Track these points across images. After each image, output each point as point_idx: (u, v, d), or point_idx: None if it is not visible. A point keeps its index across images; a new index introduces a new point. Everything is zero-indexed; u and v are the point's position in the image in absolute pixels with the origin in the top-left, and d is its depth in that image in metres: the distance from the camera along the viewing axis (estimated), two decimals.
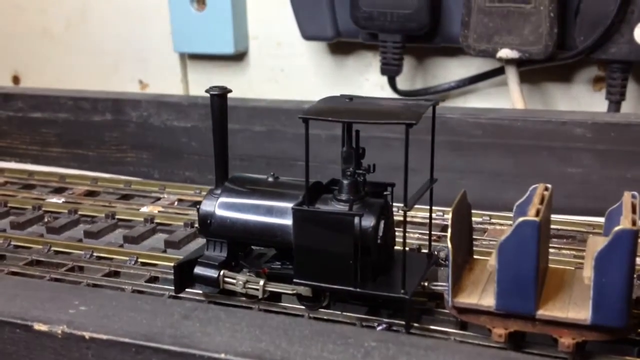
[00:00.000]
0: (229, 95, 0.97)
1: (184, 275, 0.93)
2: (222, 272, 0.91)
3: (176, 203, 1.38)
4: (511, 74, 1.49)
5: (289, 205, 0.88)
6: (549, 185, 0.85)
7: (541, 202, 0.79)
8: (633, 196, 0.80)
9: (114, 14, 1.94)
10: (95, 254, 1.13)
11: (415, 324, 0.87)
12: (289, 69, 1.82)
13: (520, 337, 0.80)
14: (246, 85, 1.86)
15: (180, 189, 1.44)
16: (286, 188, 0.92)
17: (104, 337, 0.68)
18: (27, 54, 2.07)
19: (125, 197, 1.43)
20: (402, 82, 1.66)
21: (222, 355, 0.66)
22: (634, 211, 0.76)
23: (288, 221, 0.88)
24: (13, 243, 1.19)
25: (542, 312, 0.76)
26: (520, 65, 1.49)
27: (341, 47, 1.74)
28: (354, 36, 1.63)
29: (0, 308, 0.74)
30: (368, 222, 0.84)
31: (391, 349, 0.66)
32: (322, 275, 0.84)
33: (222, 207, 0.93)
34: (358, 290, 0.83)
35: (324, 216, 0.83)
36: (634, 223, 0.72)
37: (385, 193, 0.89)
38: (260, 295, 0.89)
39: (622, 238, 0.70)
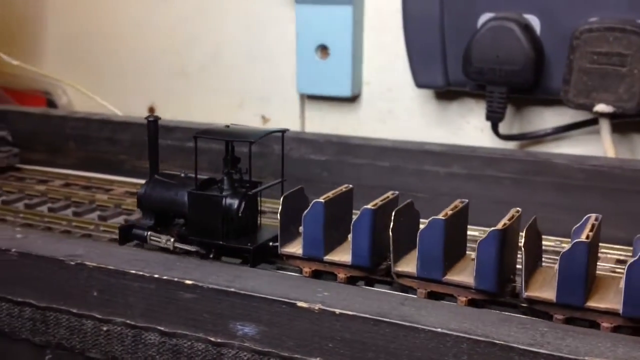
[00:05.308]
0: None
1: (127, 234, 1.33)
2: (148, 233, 1.31)
3: None
4: (605, 125, 1.68)
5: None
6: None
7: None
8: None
9: (244, 58, 2.19)
10: None
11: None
12: (396, 111, 2.03)
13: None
14: (356, 123, 2.07)
15: None
16: (190, 180, 1.29)
17: (350, 312, 0.94)
18: (163, 89, 2.33)
19: None
20: (501, 127, 1.84)
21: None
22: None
23: None
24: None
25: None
26: (612, 118, 1.68)
27: (446, 93, 1.93)
28: (462, 86, 1.83)
29: (270, 290, 1.00)
30: (232, 201, 1.23)
31: None
32: (206, 235, 1.23)
33: (150, 190, 1.34)
34: (223, 243, 1.22)
35: (205, 197, 1.23)
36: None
37: (250, 189, 1.27)
38: (171, 248, 1.26)
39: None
